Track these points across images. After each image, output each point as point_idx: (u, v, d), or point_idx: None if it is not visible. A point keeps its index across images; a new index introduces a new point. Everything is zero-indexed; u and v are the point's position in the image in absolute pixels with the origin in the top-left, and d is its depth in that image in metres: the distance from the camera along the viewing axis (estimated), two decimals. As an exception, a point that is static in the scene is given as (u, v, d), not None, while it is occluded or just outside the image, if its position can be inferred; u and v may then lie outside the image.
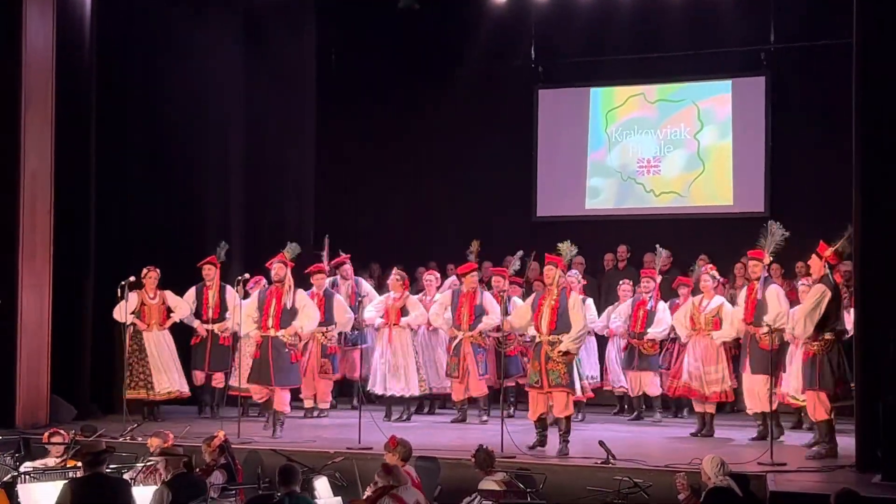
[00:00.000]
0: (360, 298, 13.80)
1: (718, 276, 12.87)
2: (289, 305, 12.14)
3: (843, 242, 10.70)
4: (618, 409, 14.20)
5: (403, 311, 13.54)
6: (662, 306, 13.20)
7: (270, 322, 12.08)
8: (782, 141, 15.70)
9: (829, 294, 10.64)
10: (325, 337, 13.58)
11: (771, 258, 11.87)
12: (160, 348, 13.43)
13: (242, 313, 12.48)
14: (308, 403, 13.81)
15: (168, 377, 13.39)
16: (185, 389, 13.55)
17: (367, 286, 14.54)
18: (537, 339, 11.17)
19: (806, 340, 10.79)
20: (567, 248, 11.47)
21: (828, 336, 10.68)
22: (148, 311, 13.41)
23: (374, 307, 13.73)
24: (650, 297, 13.28)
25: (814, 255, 10.97)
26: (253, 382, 12.24)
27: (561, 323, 11.02)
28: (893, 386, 9.71)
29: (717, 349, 12.36)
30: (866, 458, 9.97)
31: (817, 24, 14.80)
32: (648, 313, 13.21)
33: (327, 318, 13.43)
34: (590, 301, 13.41)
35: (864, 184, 10.19)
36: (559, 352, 10.98)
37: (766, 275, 11.93)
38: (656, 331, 13.14)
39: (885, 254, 10.06)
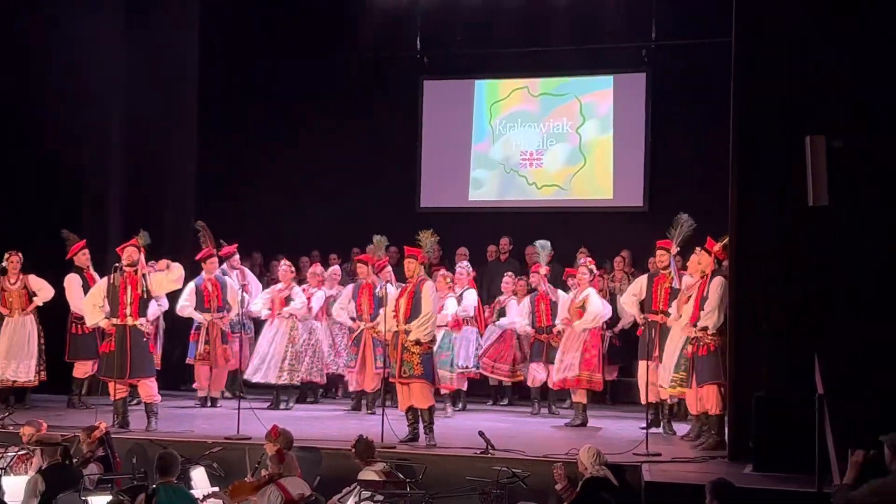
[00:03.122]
0: (240, 287, 13.68)
1: (595, 269, 13.04)
2: (144, 292, 11.85)
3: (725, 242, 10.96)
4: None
5: (287, 301, 13.49)
6: (564, 297, 13.34)
7: (128, 311, 11.74)
8: (662, 137, 15.97)
9: (725, 288, 10.87)
10: (223, 323, 13.46)
11: (678, 249, 12.05)
12: (19, 334, 13.14)
13: (86, 302, 12.12)
14: (202, 392, 13.66)
15: (17, 364, 13.07)
16: (32, 378, 13.17)
17: (251, 276, 14.46)
18: (395, 330, 11.16)
19: (704, 334, 10.96)
20: (427, 239, 11.52)
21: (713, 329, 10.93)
22: (9, 297, 13.11)
23: (261, 299, 13.66)
24: (547, 291, 13.42)
25: (702, 251, 11.20)
26: (107, 377, 11.73)
27: (414, 313, 11.04)
28: (765, 378, 9.95)
29: (578, 337, 12.51)
30: (738, 448, 10.20)
31: (697, 22, 15.06)
32: (551, 305, 13.30)
33: (224, 305, 13.32)
34: (472, 291, 13.47)
35: (740, 180, 10.42)
36: (411, 341, 11.00)
37: (675, 265, 12.12)
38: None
39: (759, 248, 10.29)
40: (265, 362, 13.46)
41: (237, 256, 14.20)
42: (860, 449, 7.27)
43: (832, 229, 10.07)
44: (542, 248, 13.69)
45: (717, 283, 10.93)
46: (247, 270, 14.48)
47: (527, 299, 13.51)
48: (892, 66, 9.97)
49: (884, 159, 9.99)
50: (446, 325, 13.14)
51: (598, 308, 12.54)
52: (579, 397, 12.56)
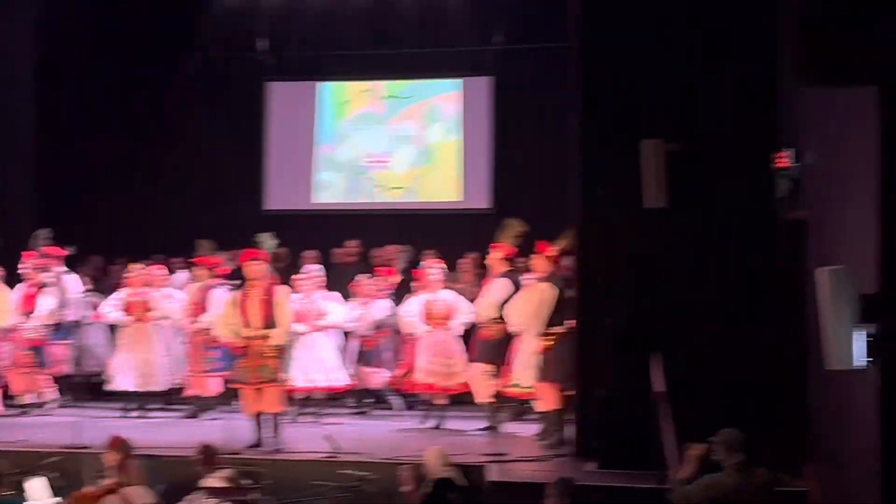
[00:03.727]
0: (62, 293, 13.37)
1: (440, 271, 13.09)
2: None
3: (568, 240, 11.12)
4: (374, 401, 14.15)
5: (148, 306, 13.23)
6: (382, 302, 13.31)
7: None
8: (508, 139, 16.13)
9: (552, 291, 11.03)
10: (31, 329, 13.11)
11: (512, 251, 12.16)
12: None
13: None
14: (27, 399, 13.27)
15: None
16: None
17: (72, 281, 14.04)
18: (246, 335, 11.04)
19: (537, 335, 11.13)
20: (267, 240, 11.45)
21: (559, 330, 11.05)
22: None
23: (110, 303, 13.35)
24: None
25: (535, 255, 11.39)
26: None
27: (271, 317, 10.95)
28: (609, 376, 10.12)
29: (453, 341, 12.56)
30: (584, 446, 10.36)
31: (543, 26, 15.25)
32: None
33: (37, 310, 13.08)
34: (336, 294, 13.39)
35: (584, 182, 10.59)
36: (269, 346, 10.91)
37: (509, 268, 12.22)
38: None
39: (602, 248, 10.47)
40: (136, 369, 13.16)
41: (57, 261, 13.79)
42: (698, 444, 7.45)
43: (671, 230, 10.30)
44: (406, 251, 13.72)
45: (540, 288, 11.15)
46: (70, 276, 14.07)
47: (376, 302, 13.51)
48: (724, 72, 10.24)
49: (719, 162, 10.26)
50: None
51: (468, 307, 12.56)
52: (443, 399, 12.60)
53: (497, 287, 11.99)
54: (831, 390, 7.83)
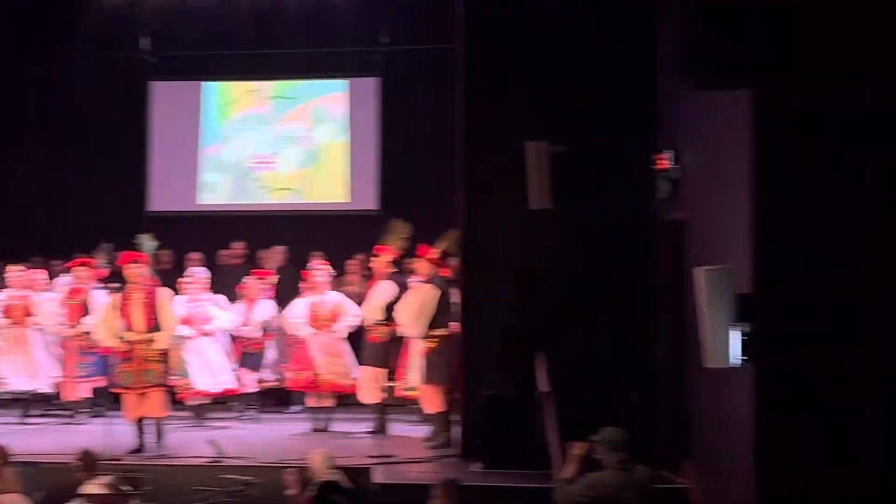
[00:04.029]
0: None
1: (327, 272, 13.03)
2: None
3: (450, 242, 11.15)
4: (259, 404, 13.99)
5: (30, 309, 12.94)
6: (266, 304, 13.21)
7: None
8: (395, 140, 16.10)
9: (435, 294, 11.06)
10: None
11: (398, 254, 12.15)
12: None
13: None
14: None
15: None
16: None
17: None
18: (129, 339, 10.86)
19: (421, 337, 11.14)
20: (146, 242, 11.30)
21: (441, 332, 11.07)
22: None
23: None
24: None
25: (417, 258, 11.41)
26: None
27: (154, 320, 10.80)
28: (494, 376, 10.18)
29: (339, 342, 12.50)
30: (469, 446, 10.39)
31: (429, 27, 15.27)
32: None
33: None
34: (221, 297, 13.24)
35: (469, 183, 10.64)
36: (154, 350, 10.76)
37: (395, 270, 12.20)
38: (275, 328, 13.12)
39: (487, 249, 10.53)
40: (19, 371, 12.86)
41: None
42: (580, 443, 7.51)
43: (555, 231, 10.40)
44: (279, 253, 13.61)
45: (422, 291, 11.20)
46: None
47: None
48: (606, 75, 10.37)
49: (602, 163, 10.38)
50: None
51: (355, 309, 12.51)
52: (329, 401, 12.53)
53: (382, 290, 11.99)
54: (709, 388, 7.97)
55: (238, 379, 13.08)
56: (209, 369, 12.72)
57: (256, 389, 13.29)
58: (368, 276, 14.06)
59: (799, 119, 5.54)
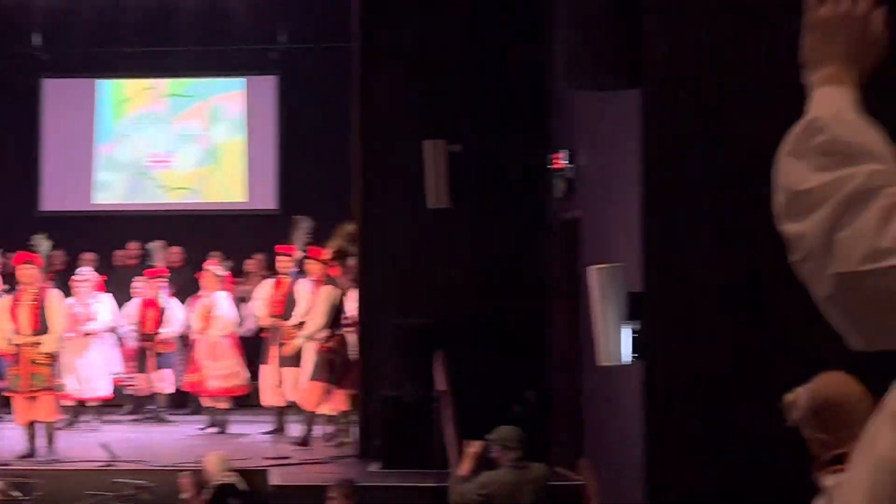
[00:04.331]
0: None
1: (221, 272, 12.91)
2: None
3: (340, 242, 11.12)
4: (131, 408, 13.80)
5: None
6: (174, 303, 13.04)
7: None
8: (294, 139, 16.00)
9: (328, 293, 11.06)
10: None
11: (302, 253, 12.06)
12: None
13: None
14: None
15: None
16: None
17: None
18: (17, 342, 10.64)
19: (319, 338, 11.10)
20: (42, 243, 11.10)
21: (337, 332, 11.04)
22: None
23: None
24: (160, 296, 13.09)
25: (309, 260, 11.37)
26: None
27: (42, 323, 10.60)
28: (392, 376, 10.17)
29: (225, 343, 12.37)
30: (367, 447, 10.37)
31: (327, 26, 15.20)
32: (162, 311, 12.99)
33: None
34: (108, 297, 13.00)
35: (366, 183, 10.63)
36: (42, 353, 10.56)
37: (298, 269, 12.11)
38: (167, 330, 12.93)
39: (385, 249, 10.52)
40: None
41: None
42: (475, 441, 7.54)
43: (453, 230, 10.43)
44: (157, 250, 13.42)
45: (326, 291, 11.16)
46: None
47: (133, 302, 13.17)
48: (503, 74, 10.42)
49: (499, 162, 10.44)
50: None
51: (227, 313, 12.41)
52: (223, 403, 12.38)
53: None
54: (603, 386, 8.05)
55: (133, 380, 12.91)
56: (84, 373, 12.48)
57: (156, 391, 13.11)
58: (268, 276, 13.96)
59: (687, 119, 5.61)
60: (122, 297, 13.80)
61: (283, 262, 12.13)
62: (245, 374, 12.48)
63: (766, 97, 5.60)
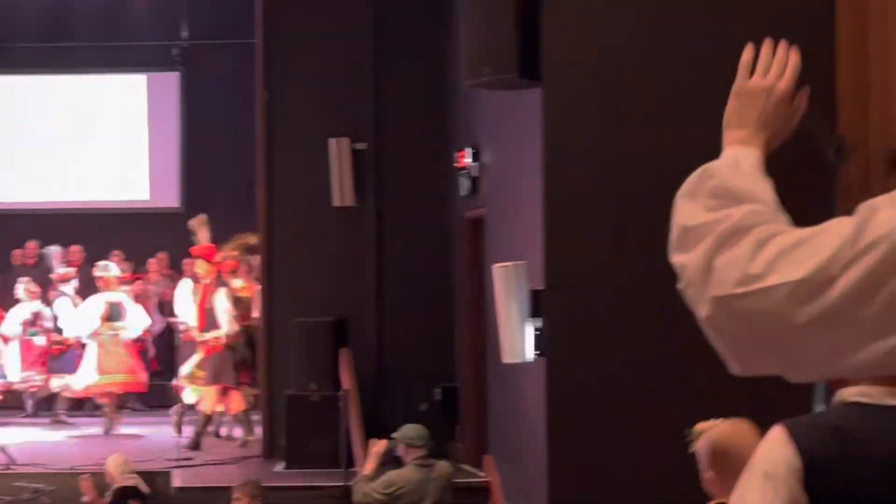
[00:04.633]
0: None
1: (118, 272, 12.72)
2: None
3: (238, 243, 11.08)
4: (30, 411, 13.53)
5: None
6: (75, 303, 12.84)
7: None
8: (197, 137, 15.82)
9: (224, 294, 11.01)
10: None
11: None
12: None
13: None
14: None
15: None
16: None
17: None
18: None
19: (214, 339, 11.01)
20: None
21: (231, 332, 10.98)
22: None
23: None
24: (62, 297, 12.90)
25: (200, 261, 11.28)
26: None
27: None
28: (296, 375, 10.11)
29: (124, 343, 12.20)
30: (271, 446, 10.30)
31: (229, 22, 15.06)
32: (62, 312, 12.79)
33: None
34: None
35: (271, 181, 10.56)
36: None
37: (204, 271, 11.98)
38: (67, 330, 12.71)
39: (288, 248, 10.47)
40: None
41: None
42: (380, 440, 7.53)
43: (360, 228, 10.42)
44: (50, 252, 13.26)
45: (224, 293, 11.08)
46: None
47: (25, 304, 12.94)
48: (408, 74, 10.43)
49: (405, 160, 10.44)
50: None
51: (128, 313, 12.23)
52: (122, 404, 12.21)
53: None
54: (507, 383, 8.09)
55: (35, 381, 12.70)
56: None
57: (55, 392, 12.88)
58: (171, 276, 13.83)
59: (587, 117, 5.65)
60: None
61: (196, 266, 11.95)
62: (144, 375, 12.31)
63: (665, 96, 5.68)
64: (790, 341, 1.54)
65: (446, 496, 7.41)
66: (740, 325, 1.55)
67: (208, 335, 11.06)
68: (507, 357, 7.03)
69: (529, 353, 6.50)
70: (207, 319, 11.14)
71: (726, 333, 1.57)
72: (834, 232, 1.53)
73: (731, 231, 1.58)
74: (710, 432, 3.54)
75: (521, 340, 6.68)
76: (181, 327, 11.94)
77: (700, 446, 3.49)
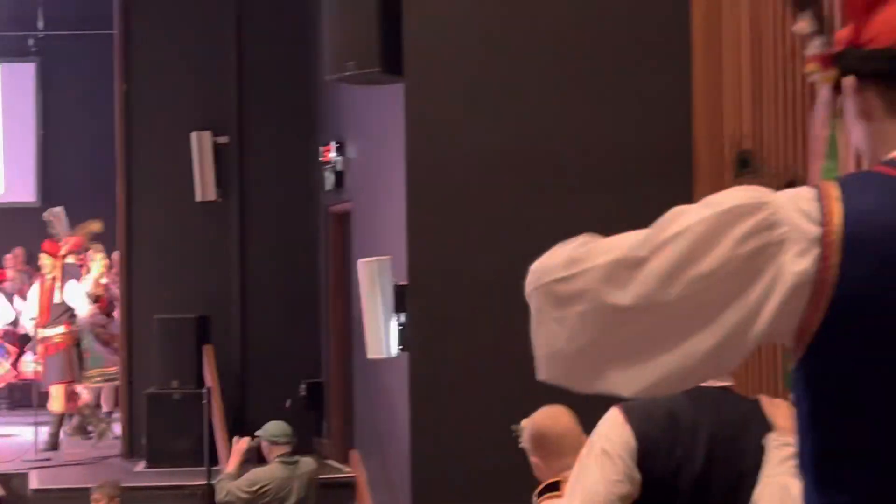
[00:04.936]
0: None
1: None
2: None
3: (81, 230, 10.95)
4: None
5: None
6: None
7: None
8: (54, 129, 15.43)
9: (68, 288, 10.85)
10: None
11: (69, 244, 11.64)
12: None
13: None
14: None
15: None
16: None
17: None
18: None
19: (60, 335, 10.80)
20: None
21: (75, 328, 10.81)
22: None
23: None
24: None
25: (44, 255, 11.06)
26: None
27: None
28: (157, 373, 9.93)
29: None
30: (132, 445, 10.12)
31: (87, 12, 14.71)
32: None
33: None
34: None
35: (128, 175, 10.37)
36: None
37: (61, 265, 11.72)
38: None
39: (150, 243, 10.29)
40: None
41: None
42: (243, 438, 7.45)
43: (223, 223, 10.29)
44: None
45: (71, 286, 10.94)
46: None
47: None
48: (272, 66, 10.32)
49: (269, 155, 10.34)
50: None
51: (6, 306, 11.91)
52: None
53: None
54: (373, 379, 8.07)
55: None
56: None
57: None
58: (28, 272, 13.49)
59: (449, 112, 5.66)
60: None
61: (41, 260, 11.66)
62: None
63: (526, 91, 5.72)
64: (609, 334, 1.54)
65: (311, 492, 7.38)
66: (565, 311, 1.55)
67: (50, 331, 10.78)
68: (372, 352, 7.01)
69: (393, 348, 6.49)
70: (52, 315, 10.86)
71: (552, 327, 1.57)
72: (650, 226, 1.55)
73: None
74: (528, 421, 3.66)
75: (385, 335, 6.67)
76: (28, 324, 11.63)
77: (525, 435, 3.61)
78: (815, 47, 1.76)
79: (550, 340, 1.59)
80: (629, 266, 1.52)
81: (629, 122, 5.25)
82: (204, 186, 10.25)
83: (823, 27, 1.76)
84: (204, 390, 9.01)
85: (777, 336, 1.52)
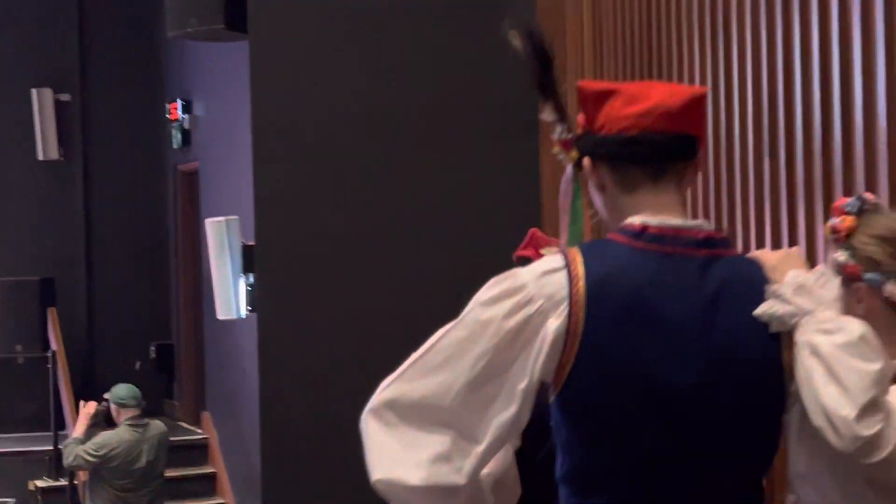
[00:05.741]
0: None
1: None
2: None
3: None
4: None
5: None
6: None
7: None
8: None
9: None
10: None
11: None
12: None
13: None
14: None
15: None
16: None
17: None
18: None
19: None
20: None
21: None
22: None
23: None
24: None
25: None
26: None
27: None
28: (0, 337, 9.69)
29: None
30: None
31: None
32: None
33: None
34: None
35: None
36: None
37: None
38: None
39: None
40: None
41: None
42: (91, 402, 7.32)
43: (67, 183, 10.05)
44: None
45: None
46: None
47: None
48: (115, 22, 10.09)
49: (113, 112, 10.12)
50: None
51: None
52: None
53: None
54: (223, 340, 8.01)
55: None
56: None
57: None
58: None
59: (295, 71, 5.61)
60: None
61: None
62: None
63: (375, 48, 5.68)
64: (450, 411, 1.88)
65: (162, 455, 7.28)
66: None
67: None
68: (222, 313, 6.95)
69: (242, 308, 6.44)
70: None
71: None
72: None
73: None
74: None
75: (234, 296, 6.62)
76: None
77: None
78: (557, 133, 2.03)
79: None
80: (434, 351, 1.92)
81: (481, 72, 5.26)
82: (46, 145, 9.98)
83: (564, 115, 2.04)
84: (49, 353, 8.82)
85: (543, 376, 1.87)
